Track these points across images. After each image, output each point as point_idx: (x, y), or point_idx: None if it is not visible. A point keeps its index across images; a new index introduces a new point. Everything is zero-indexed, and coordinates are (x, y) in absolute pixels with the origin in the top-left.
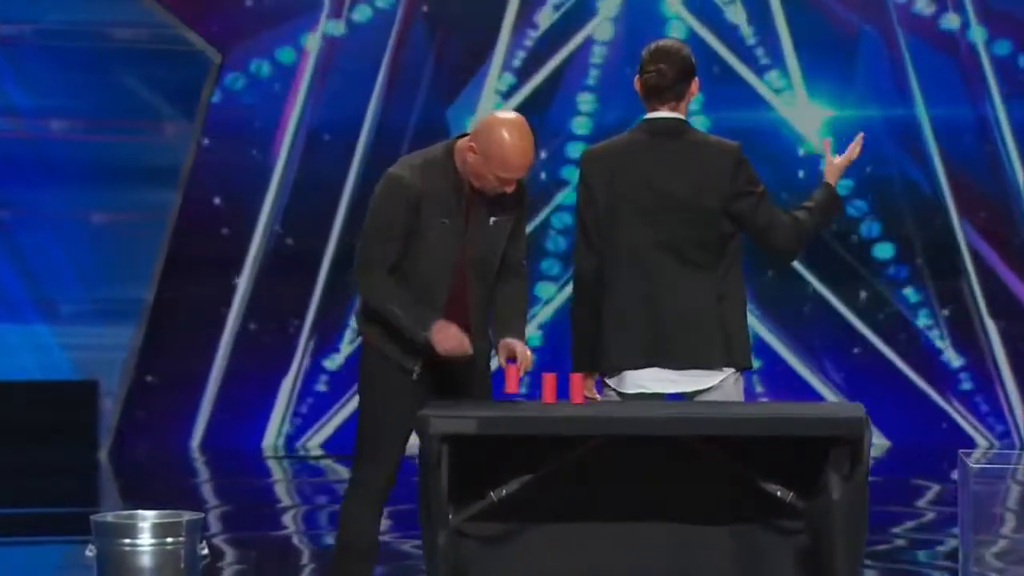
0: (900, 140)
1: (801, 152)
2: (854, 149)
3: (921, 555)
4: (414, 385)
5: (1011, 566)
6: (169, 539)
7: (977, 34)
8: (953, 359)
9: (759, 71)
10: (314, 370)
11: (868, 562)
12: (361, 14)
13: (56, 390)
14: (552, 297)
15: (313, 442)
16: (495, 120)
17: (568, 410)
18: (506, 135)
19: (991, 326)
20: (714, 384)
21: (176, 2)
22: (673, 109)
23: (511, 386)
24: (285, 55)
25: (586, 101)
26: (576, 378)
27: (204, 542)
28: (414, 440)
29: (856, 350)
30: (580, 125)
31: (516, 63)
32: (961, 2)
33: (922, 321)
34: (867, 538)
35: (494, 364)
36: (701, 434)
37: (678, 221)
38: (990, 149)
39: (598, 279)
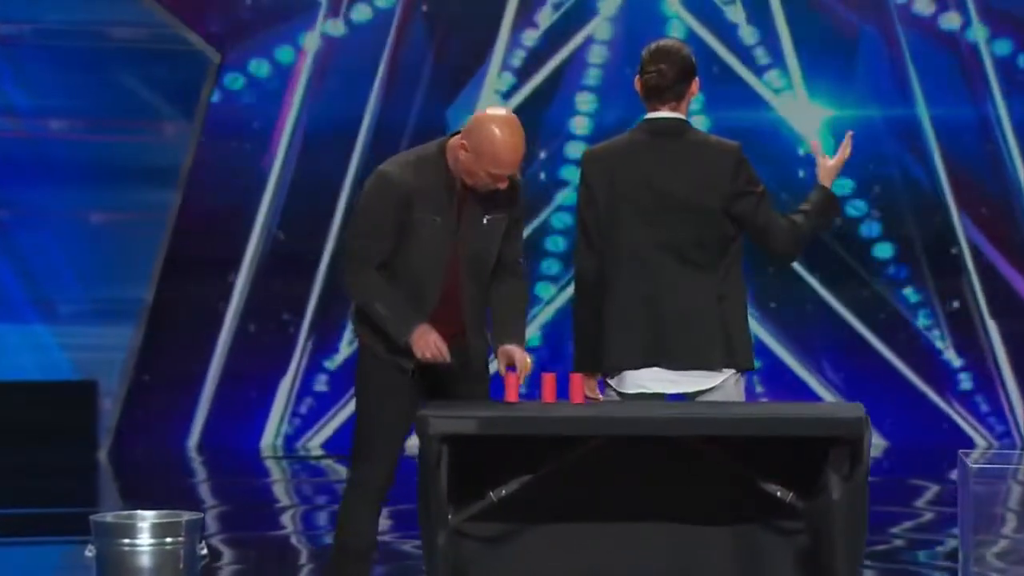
0: (900, 140)
1: (801, 152)
2: (845, 149)
3: (921, 555)
4: (410, 384)
5: (1012, 566)
6: (168, 539)
7: (978, 33)
8: (953, 359)
9: (759, 71)
10: (314, 370)
11: (867, 562)
12: (360, 13)
13: (55, 390)
14: (552, 297)
15: (313, 442)
16: (485, 117)
17: (568, 410)
18: (496, 131)
19: (992, 326)
20: (715, 384)
21: (175, 2)
22: (673, 109)
23: (511, 395)
24: (284, 55)
25: (586, 101)
26: (576, 378)
27: (203, 542)
28: (414, 440)
29: (856, 350)
30: (580, 125)
31: (516, 63)
32: (962, 1)
33: (922, 321)
34: (867, 538)
35: (492, 368)
36: (701, 434)
37: (678, 221)
38: (991, 148)
39: (599, 279)
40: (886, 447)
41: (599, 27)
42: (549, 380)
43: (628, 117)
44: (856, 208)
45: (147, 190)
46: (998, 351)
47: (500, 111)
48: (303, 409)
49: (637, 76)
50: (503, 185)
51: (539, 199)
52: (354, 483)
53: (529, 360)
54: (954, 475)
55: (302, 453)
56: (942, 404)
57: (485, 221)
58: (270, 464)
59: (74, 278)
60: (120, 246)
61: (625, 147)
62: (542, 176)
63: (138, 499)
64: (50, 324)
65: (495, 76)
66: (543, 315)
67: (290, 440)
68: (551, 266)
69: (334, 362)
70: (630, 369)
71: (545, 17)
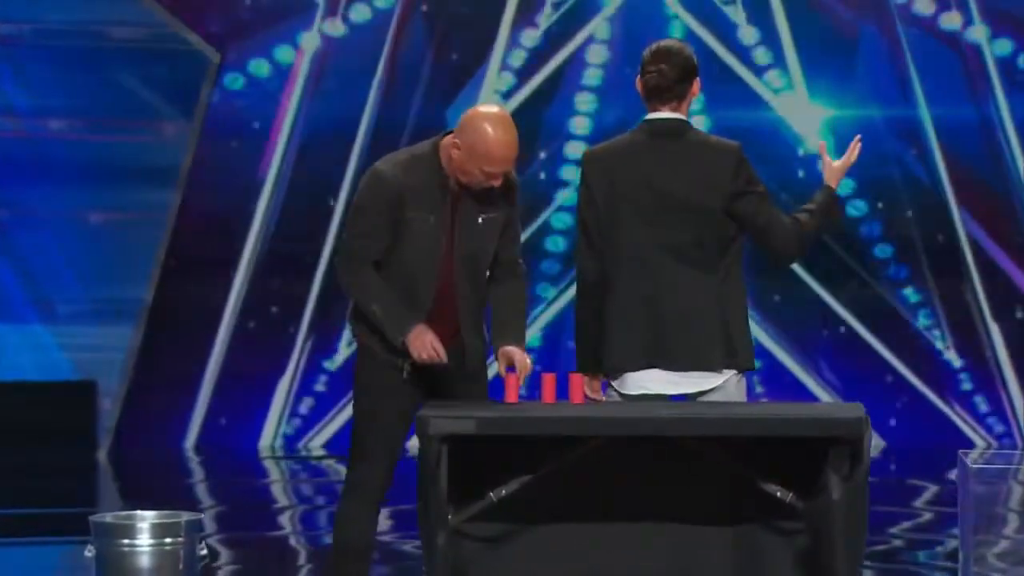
0: (901, 139)
1: (801, 152)
2: (852, 152)
3: (920, 555)
4: (406, 384)
5: (1012, 567)
6: (168, 539)
7: (979, 33)
8: (954, 359)
9: (759, 71)
10: (314, 370)
11: (867, 563)
12: (359, 13)
13: (55, 390)
14: (552, 298)
15: (314, 442)
16: (477, 114)
17: (568, 410)
18: (489, 129)
19: (993, 326)
20: (717, 385)
21: (175, 2)
22: (674, 109)
23: (511, 396)
24: (284, 55)
25: (586, 101)
26: (576, 378)
27: (203, 542)
28: (415, 441)
29: (855, 351)
30: (580, 125)
31: (516, 63)
32: (963, 1)
33: (922, 321)
34: (867, 538)
35: (492, 371)
36: (701, 434)
37: (679, 221)
38: (992, 148)
39: (600, 280)
40: (885, 447)
41: (599, 27)
42: (549, 380)
43: (628, 117)
44: (856, 208)
45: (147, 190)
46: (1000, 351)
47: (492, 108)
48: (303, 409)
49: (638, 76)
50: (497, 183)
51: (539, 199)
52: (352, 483)
53: (529, 361)
54: (953, 475)
55: (304, 453)
56: (942, 405)
57: (480, 220)
58: (269, 464)
59: (74, 278)
60: (119, 246)
61: (625, 147)
62: (542, 176)
63: (137, 499)
64: (49, 324)
65: (494, 76)
66: (543, 315)
67: (290, 440)
68: (551, 266)
69: (334, 363)
70: (631, 370)
71: (545, 17)
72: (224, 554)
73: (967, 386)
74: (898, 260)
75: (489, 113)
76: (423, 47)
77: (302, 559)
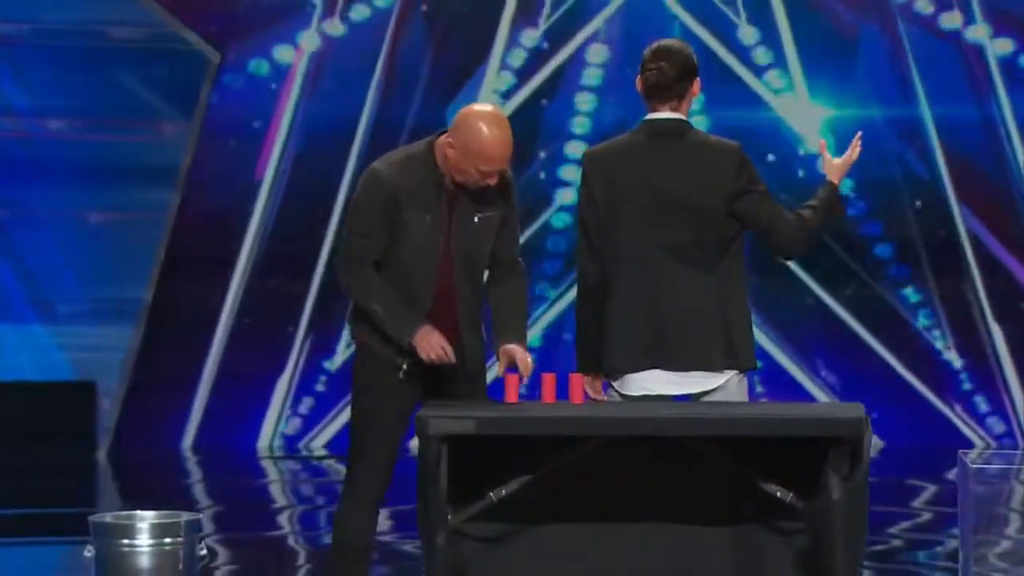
0: (901, 139)
1: (801, 152)
2: (854, 149)
3: (920, 556)
4: (405, 384)
5: (1013, 567)
6: (167, 539)
7: (980, 32)
8: (954, 360)
9: (759, 71)
10: (313, 370)
11: (866, 563)
12: (359, 13)
13: (54, 390)
14: (552, 297)
15: (315, 442)
16: (471, 113)
17: (568, 410)
18: (483, 127)
19: (994, 326)
20: (718, 385)
21: (174, 2)
22: (674, 109)
23: (511, 395)
24: (283, 54)
25: (586, 101)
26: (576, 378)
27: (203, 542)
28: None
29: (855, 351)
30: (580, 125)
31: (515, 63)
32: (964, 0)
33: (922, 322)
34: (867, 538)
35: (494, 372)
36: (701, 434)
37: (679, 221)
38: (994, 147)
39: (600, 280)
40: (884, 447)
41: (599, 27)
42: (549, 380)
43: (628, 117)
44: (856, 208)
45: (146, 190)
46: (1001, 351)
47: (486, 107)
48: (303, 409)
49: (638, 75)
50: (493, 181)
51: (539, 199)
52: (352, 483)
53: (530, 360)
54: (952, 475)
55: (304, 453)
56: (941, 405)
57: (476, 219)
58: (268, 464)
59: (73, 278)
60: (119, 246)
61: (625, 147)
62: (542, 176)
63: (137, 499)
64: (49, 324)
65: (494, 76)
66: (544, 316)
67: (290, 440)
68: (551, 266)
69: (333, 363)
70: (632, 371)
71: (545, 17)
72: (223, 554)
73: (967, 386)
74: (898, 260)
75: (483, 112)
76: (422, 47)
77: (301, 559)
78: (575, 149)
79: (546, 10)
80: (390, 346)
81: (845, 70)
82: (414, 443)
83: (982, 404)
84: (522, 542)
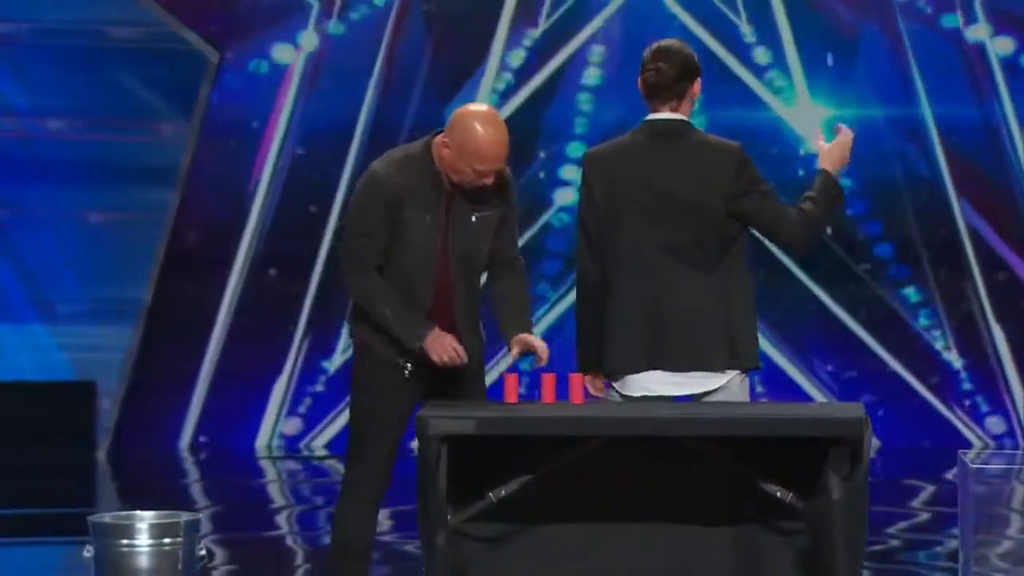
0: (902, 139)
1: (801, 152)
2: (843, 135)
3: (920, 556)
4: (405, 384)
5: (1013, 567)
6: (167, 540)
7: (981, 31)
8: (954, 360)
9: (759, 71)
10: (312, 370)
11: (865, 563)
12: (358, 12)
13: (54, 390)
14: (552, 297)
15: (315, 442)
16: (466, 112)
17: (568, 410)
18: (479, 127)
19: (995, 327)
20: (720, 385)
21: (174, 1)
22: (674, 110)
23: (511, 396)
24: (282, 54)
25: (586, 101)
26: (576, 378)
27: (202, 542)
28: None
29: (855, 351)
30: (580, 125)
31: (515, 63)
32: None
33: (923, 322)
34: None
35: (496, 372)
36: (701, 434)
37: (679, 222)
38: (996, 146)
39: (600, 280)
40: (884, 448)
41: (599, 27)
42: (549, 380)
43: (628, 117)
44: (856, 208)
45: (146, 190)
46: (1002, 351)
47: (481, 107)
48: (302, 409)
49: (640, 75)
50: (489, 181)
51: (539, 199)
52: (351, 483)
53: (546, 347)
54: (951, 476)
55: (306, 453)
56: (941, 406)
57: (473, 219)
58: (267, 464)
59: (73, 278)
60: (119, 246)
61: (626, 147)
62: (542, 176)
63: (136, 499)
64: (49, 324)
65: (493, 75)
66: (544, 316)
67: (291, 440)
68: (551, 266)
69: (332, 363)
70: (631, 372)
71: (545, 17)
72: (221, 555)
73: (967, 386)
74: (899, 260)
75: (478, 112)
76: (421, 46)
77: (299, 559)
78: (575, 149)
79: (546, 10)
80: (390, 346)
81: (845, 70)
82: (413, 443)
83: (982, 404)
84: (522, 542)
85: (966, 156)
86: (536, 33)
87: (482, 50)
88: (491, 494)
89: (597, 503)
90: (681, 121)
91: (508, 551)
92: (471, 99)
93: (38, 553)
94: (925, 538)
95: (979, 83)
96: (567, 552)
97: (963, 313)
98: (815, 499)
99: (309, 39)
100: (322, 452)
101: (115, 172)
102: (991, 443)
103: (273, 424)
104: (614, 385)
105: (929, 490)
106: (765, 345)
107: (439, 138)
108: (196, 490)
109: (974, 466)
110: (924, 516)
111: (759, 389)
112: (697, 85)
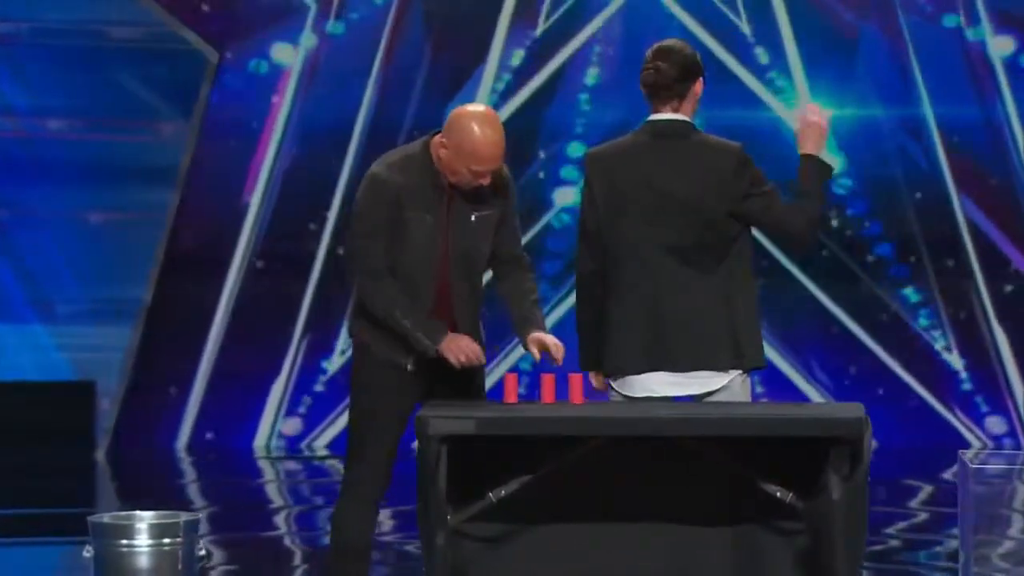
0: (903, 138)
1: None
2: (811, 113)
3: (920, 556)
4: (405, 384)
5: (1013, 567)
6: (166, 540)
7: (982, 30)
8: (954, 360)
9: (759, 71)
10: (313, 371)
11: (865, 563)
12: (358, 12)
13: (54, 390)
14: (552, 298)
15: (317, 442)
16: (463, 113)
17: (568, 410)
18: (475, 127)
19: (996, 327)
20: (722, 385)
21: (174, 1)
22: (676, 110)
23: (511, 396)
24: (282, 54)
25: (586, 101)
26: (576, 378)
27: (201, 543)
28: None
29: (855, 351)
30: (580, 125)
31: (514, 63)
32: None
33: (923, 322)
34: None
35: (497, 373)
36: (700, 434)
37: (680, 222)
38: (997, 145)
39: (600, 280)
40: (883, 448)
41: (599, 27)
42: (549, 380)
43: (628, 117)
44: (856, 208)
45: (145, 190)
46: (1003, 352)
47: (478, 107)
48: (302, 409)
49: (640, 75)
50: (486, 181)
51: (539, 199)
52: (350, 483)
53: (561, 344)
54: (950, 476)
55: (306, 454)
56: (940, 407)
57: (473, 219)
58: (266, 464)
59: (72, 278)
60: (118, 246)
61: (627, 148)
62: (542, 176)
63: (136, 499)
64: (48, 324)
65: (493, 76)
66: (545, 316)
67: (291, 441)
68: (552, 266)
69: (332, 363)
70: (632, 372)
71: (545, 17)
72: (220, 555)
73: (967, 386)
74: (898, 260)
75: (475, 112)
76: (421, 46)
77: (298, 559)
78: (575, 149)
79: (546, 10)
80: (390, 346)
81: (845, 69)
82: (415, 443)
83: (982, 404)
84: (522, 542)
85: (967, 156)
86: (536, 33)
87: (482, 50)
88: (491, 494)
89: (597, 503)
90: (682, 122)
91: (508, 551)
92: (471, 99)
93: (38, 553)
94: (925, 538)
95: (980, 83)
96: (567, 552)
97: (963, 313)
98: (815, 499)
99: (309, 39)
100: (323, 452)
101: (115, 172)
102: (991, 443)
103: (272, 424)
104: (614, 385)
105: (928, 490)
106: (765, 345)
107: (437, 138)
108: (195, 490)
109: (974, 466)
110: (924, 516)
111: (759, 389)
112: (699, 85)
